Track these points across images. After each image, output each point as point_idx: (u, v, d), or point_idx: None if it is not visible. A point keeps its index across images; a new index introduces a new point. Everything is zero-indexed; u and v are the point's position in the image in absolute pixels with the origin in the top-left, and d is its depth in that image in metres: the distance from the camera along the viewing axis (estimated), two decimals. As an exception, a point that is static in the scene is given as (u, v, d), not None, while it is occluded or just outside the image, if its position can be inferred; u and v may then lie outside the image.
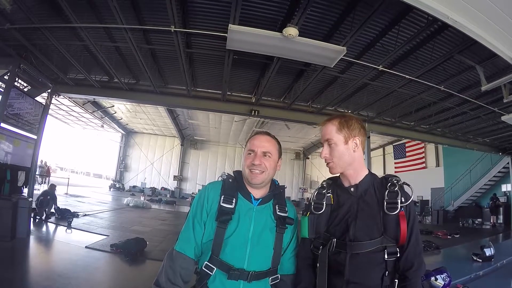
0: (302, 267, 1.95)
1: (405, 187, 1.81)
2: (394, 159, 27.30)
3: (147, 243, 7.95)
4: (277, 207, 1.94)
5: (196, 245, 1.85)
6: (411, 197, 1.78)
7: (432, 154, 24.22)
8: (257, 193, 1.95)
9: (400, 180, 1.82)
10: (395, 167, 26.69)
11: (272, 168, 1.94)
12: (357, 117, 1.98)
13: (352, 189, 1.87)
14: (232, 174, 2.04)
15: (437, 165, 23.82)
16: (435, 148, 23.67)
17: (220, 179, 2.02)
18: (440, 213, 20.23)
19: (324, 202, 1.88)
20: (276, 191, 2.02)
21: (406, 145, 25.92)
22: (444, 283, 3.24)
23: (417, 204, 21.70)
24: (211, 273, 1.76)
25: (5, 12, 6.63)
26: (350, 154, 1.86)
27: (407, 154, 26.08)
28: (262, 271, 1.81)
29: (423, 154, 24.91)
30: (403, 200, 1.73)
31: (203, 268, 1.78)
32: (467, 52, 7.50)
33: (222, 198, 1.85)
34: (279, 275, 1.91)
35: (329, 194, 1.91)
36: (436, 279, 3.24)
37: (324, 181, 2.06)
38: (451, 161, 22.02)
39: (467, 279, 6.04)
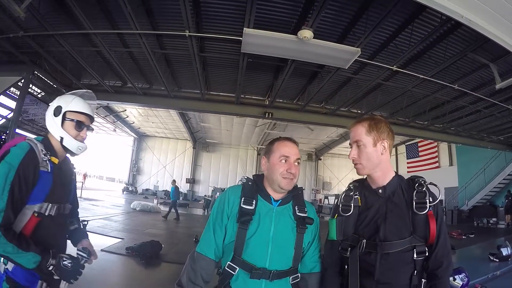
0: (329, 268, 1.99)
1: (432, 187, 1.85)
2: (407, 158, 27.00)
3: (162, 245, 7.98)
4: (296, 208, 1.97)
5: (216, 247, 1.90)
6: (438, 197, 1.80)
7: (445, 153, 23.89)
8: (277, 195, 1.98)
9: (426, 180, 1.85)
10: (408, 167, 26.43)
11: (298, 173, 1.99)
12: (386, 120, 1.99)
13: (380, 190, 1.89)
14: (252, 178, 2.08)
15: (451, 164, 23.48)
16: (448, 147, 23.36)
17: (240, 183, 2.07)
18: (455, 212, 19.91)
19: (352, 204, 1.91)
20: (294, 193, 2.04)
21: (419, 144, 25.66)
22: (463, 283, 3.20)
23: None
24: (233, 273, 1.81)
25: (19, 20, 6.72)
26: (377, 157, 1.88)
27: (420, 153, 25.80)
28: (283, 270, 1.85)
29: (436, 154, 24.60)
30: (431, 200, 1.75)
31: (226, 268, 1.82)
32: (480, 50, 7.45)
33: (242, 200, 1.89)
34: (299, 274, 1.94)
35: (357, 196, 1.94)
36: (454, 279, 3.20)
37: (351, 183, 2.10)
38: (465, 160, 21.71)
39: (485, 279, 5.96)
